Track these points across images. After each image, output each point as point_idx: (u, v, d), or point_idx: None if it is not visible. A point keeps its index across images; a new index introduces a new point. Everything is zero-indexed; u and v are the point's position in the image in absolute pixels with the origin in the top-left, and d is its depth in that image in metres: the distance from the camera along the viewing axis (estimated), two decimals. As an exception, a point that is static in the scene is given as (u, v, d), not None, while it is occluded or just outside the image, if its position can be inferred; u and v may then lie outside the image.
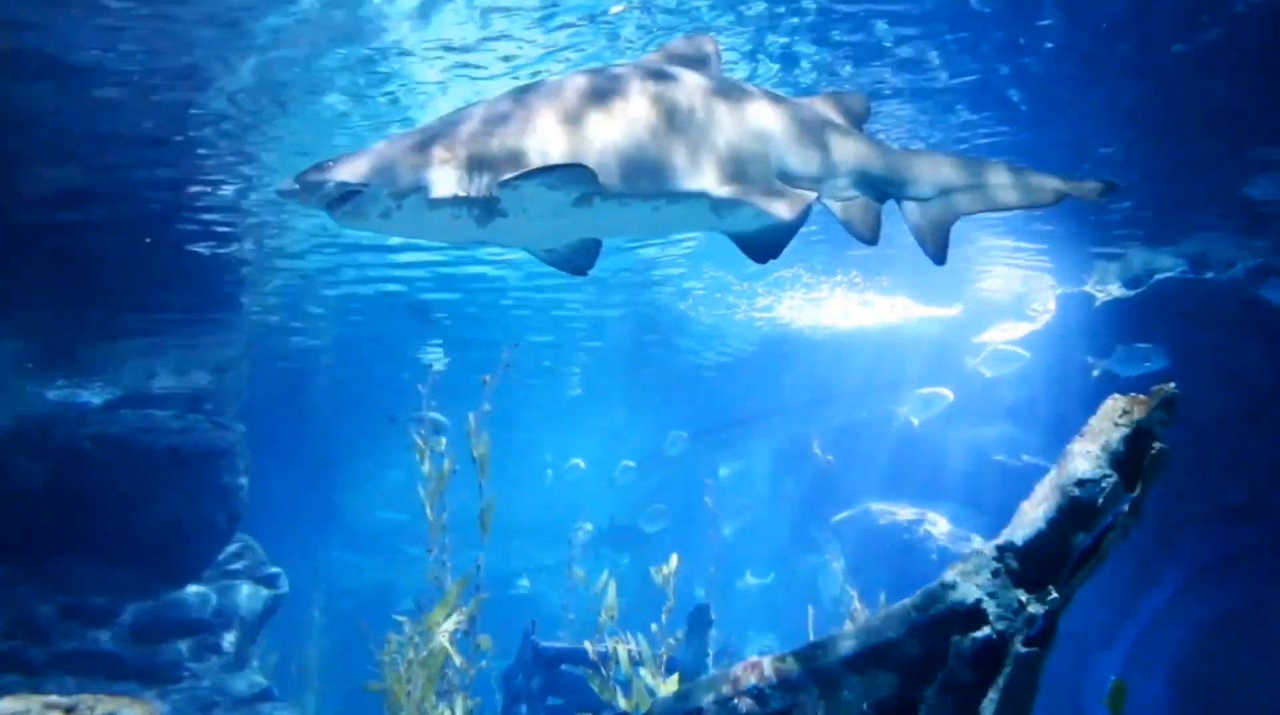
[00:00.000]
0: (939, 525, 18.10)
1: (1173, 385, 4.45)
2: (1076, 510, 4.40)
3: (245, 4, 7.39)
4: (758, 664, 4.91)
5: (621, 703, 8.07)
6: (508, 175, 4.36)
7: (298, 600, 21.15)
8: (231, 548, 16.91)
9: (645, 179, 4.57)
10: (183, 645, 15.50)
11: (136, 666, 15.03)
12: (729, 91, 4.93)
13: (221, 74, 8.44)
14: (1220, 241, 13.46)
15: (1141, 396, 4.45)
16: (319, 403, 25.04)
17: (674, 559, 8.76)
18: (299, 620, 23.89)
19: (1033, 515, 4.51)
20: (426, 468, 7.35)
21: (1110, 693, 5.13)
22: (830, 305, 18.31)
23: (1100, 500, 4.37)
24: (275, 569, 17.19)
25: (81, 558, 15.39)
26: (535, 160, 4.40)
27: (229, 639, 15.91)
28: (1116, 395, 4.53)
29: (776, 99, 5.10)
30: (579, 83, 4.74)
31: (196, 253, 12.85)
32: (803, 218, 4.83)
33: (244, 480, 17.29)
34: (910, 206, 5.24)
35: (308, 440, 26.85)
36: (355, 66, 8.45)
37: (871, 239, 5.08)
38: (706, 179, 4.64)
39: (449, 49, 8.18)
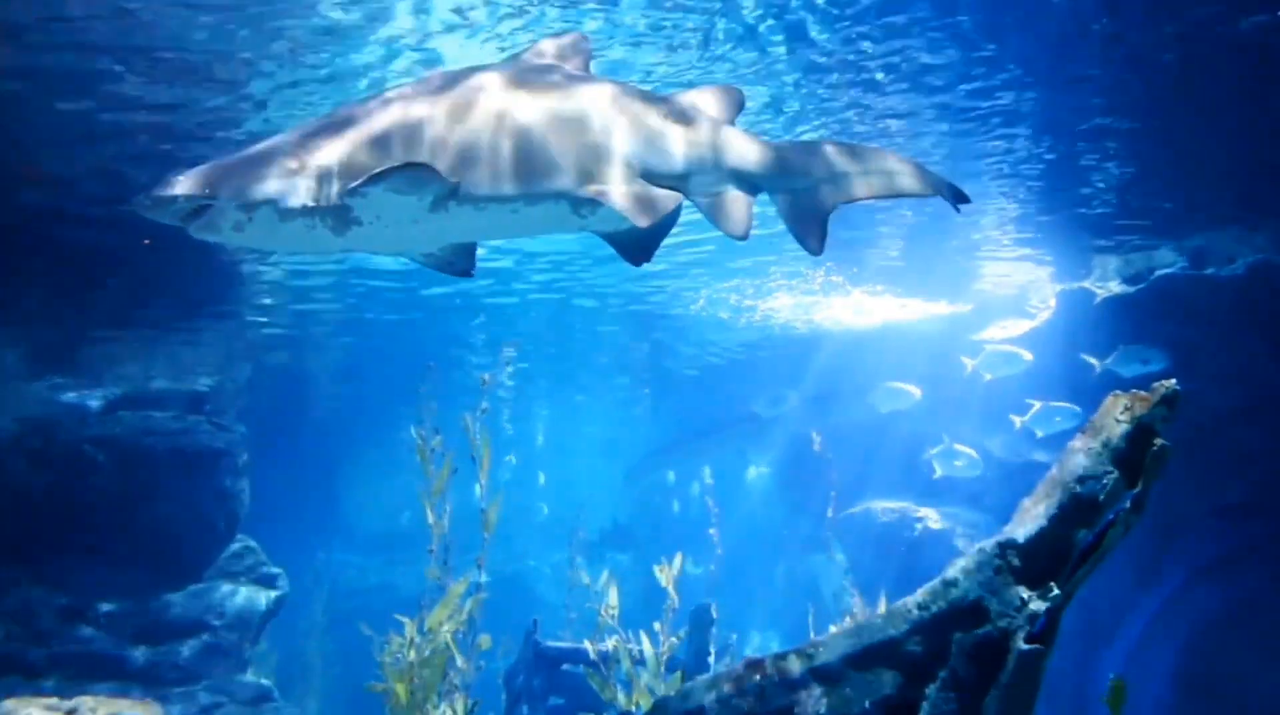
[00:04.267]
0: (940, 523, 18.07)
1: (1174, 381, 4.44)
2: (1078, 507, 4.39)
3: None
4: (759, 662, 4.90)
5: (622, 702, 8.06)
6: (353, 183, 4.29)
7: (299, 601, 21.14)
8: (232, 549, 16.89)
9: (500, 181, 4.47)
10: (183, 647, 15.49)
11: (137, 668, 15.04)
12: (588, 89, 4.80)
13: (221, 72, 8.43)
14: (1220, 237, 13.43)
15: (1143, 393, 4.44)
16: (319, 403, 25.00)
17: (678, 559, 8.73)
18: (300, 621, 23.88)
19: (1034, 512, 4.50)
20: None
21: (1109, 691, 5.09)
22: (828, 303, 18.27)
23: (1102, 497, 4.36)
24: (276, 570, 17.17)
25: (82, 560, 15.37)
26: (382, 166, 4.27)
27: (230, 640, 15.89)
28: (1118, 392, 4.52)
29: (639, 95, 4.95)
30: (433, 86, 4.66)
31: (195, 253, 12.78)
32: (669, 219, 4.73)
33: (244, 481, 17.30)
34: (783, 198, 5.11)
35: (308, 441, 26.80)
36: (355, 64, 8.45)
37: (742, 234, 4.96)
38: (564, 180, 4.54)
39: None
